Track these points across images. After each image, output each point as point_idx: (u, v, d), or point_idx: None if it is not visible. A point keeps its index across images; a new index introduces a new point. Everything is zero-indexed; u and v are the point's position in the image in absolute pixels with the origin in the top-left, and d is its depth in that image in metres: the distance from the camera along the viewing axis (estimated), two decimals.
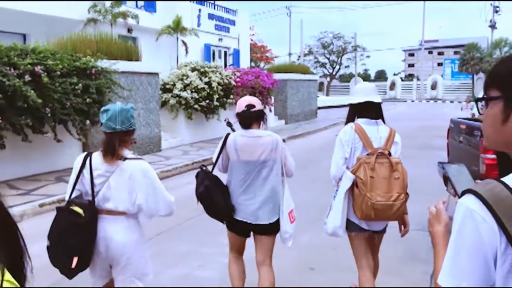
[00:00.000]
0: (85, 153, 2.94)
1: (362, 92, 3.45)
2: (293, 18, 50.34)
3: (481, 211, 1.06)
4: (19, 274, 0.99)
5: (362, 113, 3.44)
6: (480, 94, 8.57)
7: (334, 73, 57.18)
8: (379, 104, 3.46)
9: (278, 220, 3.40)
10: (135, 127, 2.93)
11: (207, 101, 13.81)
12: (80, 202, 2.79)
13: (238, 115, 3.41)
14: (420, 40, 53.53)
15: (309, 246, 5.35)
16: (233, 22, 24.30)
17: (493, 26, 45.70)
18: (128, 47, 11.46)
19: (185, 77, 13.70)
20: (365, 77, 73.62)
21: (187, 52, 18.91)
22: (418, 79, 51.55)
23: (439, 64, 69.81)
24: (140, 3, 18.04)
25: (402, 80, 59.48)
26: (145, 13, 17.91)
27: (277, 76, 18.84)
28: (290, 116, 20.80)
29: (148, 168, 2.91)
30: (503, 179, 1.10)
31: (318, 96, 26.01)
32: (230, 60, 24.12)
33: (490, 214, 1.04)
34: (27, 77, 7.51)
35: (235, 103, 4.05)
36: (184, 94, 13.29)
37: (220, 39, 23.15)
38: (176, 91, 13.36)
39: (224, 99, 14.48)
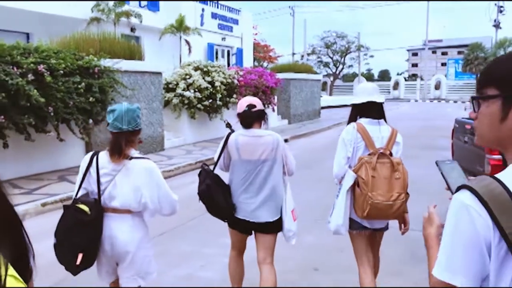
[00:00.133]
0: (92, 152, 2.98)
1: (364, 92, 3.46)
2: (297, 17, 50.43)
3: (476, 206, 1.09)
4: (24, 270, 1.02)
5: (364, 113, 3.45)
6: None
7: (337, 72, 57.15)
8: (381, 104, 3.48)
9: (279, 219, 3.44)
10: (141, 127, 2.97)
11: (210, 100, 13.79)
12: (86, 200, 2.84)
13: (239, 115, 3.46)
14: (423, 40, 53.32)
15: (313, 246, 5.33)
16: (236, 22, 24.29)
17: (497, 26, 45.54)
18: (131, 46, 11.45)
19: (188, 77, 13.68)
20: (369, 77, 73.51)
21: (190, 51, 18.90)
22: (421, 79, 51.37)
23: (443, 64, 69.74)
24: (143, 2, 18.04)
25: (405, 80, 59.44)
26: (148, 12, 17.91)
27: (280, 76, 18.82)
28: (293, 116, 20.77)
29: (154, 167, 2.94)
30: (497, 175, 1.13)
31: (321, 96, 25.98)
32: (233, 60, 24.12)
33: (484, 210, 1.08)
34: (30, 76, 7.51)
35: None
36: (187, 93, 13.27)
37: (223, 39, 23.15)
38: (179, 91, 13.34)
39: (227, 98, 14.46)
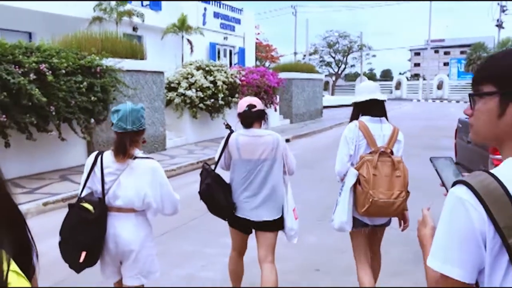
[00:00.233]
0: (97, 152, 3.02)
1: (366, 90, 3.49)
2: (299, 17, 50.37)
3: (472, 201, 1.12)
4: (27, 267, 1.05)
5: (366, 111, 3.48)
6: None
7: (339, 72, 57.06)
8: (383, 102, 3.51)
9: (279, 218, 3.47)
10: (145, 127, 3.01)
11: (212, 100, 13.77)
12: (90, 199, 2.87)
13: (240, 115, 3.50)
14: (426, 40, 53.25)
15: (314, 246, 5.31)
16: (238, 21, 24.27)
17: (500, 26, 45.41)
18: (133, 45, 11.45)
19: (190, 76, 13.66)
20: (371, 76, 73.37)
21: (192, 50, 18.89)
22: (424, 79, 51.21)
23: (445, 64, 69.52)
24: (146, 2, 18.03)
25: (408, 79, 59.24)
26: (151, 11, 17.91)
27: (283, 75, 18.78)
28: (295, 115, 20.75)
29: (158, 166, 2.97)
30: (492, 171, 1.16)
31: (323, 95, 25.94)
32: (235, 59, 24.11)
33: (480, 204, 1.11)
34: (32, 75, 7.50)
35: None
36: (189, 93, 13.26)
37: (225, 38, 23.13)
38: (181, 90, 13.32)
39: (229, 98, 14.43)
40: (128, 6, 16.00)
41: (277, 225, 3.48)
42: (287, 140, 14.79)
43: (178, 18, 18.36)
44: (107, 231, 2.86)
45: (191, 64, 14.42)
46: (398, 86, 50.27)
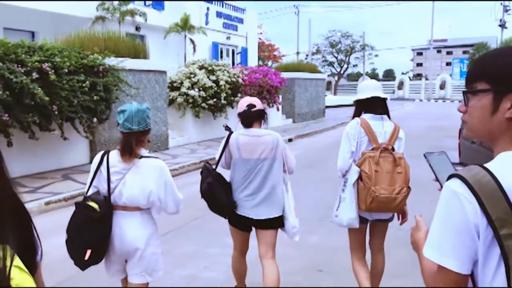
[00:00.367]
0: (103, 151, 3.05)
1: (368, 88, 3.54)
2: (301, 17, 50.34)
3: (466, 194, 1.16)
4: (31, 264, 1.08)
5: (368, 108, 3.53)
6: None
7: (342, 72, 57.01)
8: (384, 100, 3.56)
9: (279, 216, 3.52)
10: (150, 127, 3.03)
11: (215, 99, 13.77)
12: (96, 198, 2.89)
13: (240, 115, 3.56)
14: (428, 39, 53.09)
15: (317, 246, 5.29)
16: (241, 21, 24.26)
17: (503, 26, 45.30)
18: (136, 45, 11.44)
19: (192, 75, 13.66)
20: (373, 76, 73.30)
21: (195, 50, 18.90)
22: (426, 79, 51.08)
23: (448, 64, 69.44)
24: (148, 1, 18.05)
25: (410, 79, 59.16)
26: (153, 11, 17.92)
27: (285, 75, 18.76)
28: (297, 115, 20.73)
29: (163, 166, 3.00)
30: (486, 165, 1.20)
31: (326, 95, 25.90)
32: (238, 59, 24.11)
33: (473, 197, 1.15)
34: (35, 75, 7.50)
35: None
36: (191, 92, 13.25)
37: (228, 38, 23.14)
38: (183, 89, 13.32)
39: (232, 97, 14.42)
40: (131, 6, 16.02)
41: (277, 223, 3.54)
42: (290, 140, 14.77)
43: (181, 18, 18.37)
44: (113, 229, 2.89)
45: (193, 64, 14.41)
46: (401, 86, 50.18)
